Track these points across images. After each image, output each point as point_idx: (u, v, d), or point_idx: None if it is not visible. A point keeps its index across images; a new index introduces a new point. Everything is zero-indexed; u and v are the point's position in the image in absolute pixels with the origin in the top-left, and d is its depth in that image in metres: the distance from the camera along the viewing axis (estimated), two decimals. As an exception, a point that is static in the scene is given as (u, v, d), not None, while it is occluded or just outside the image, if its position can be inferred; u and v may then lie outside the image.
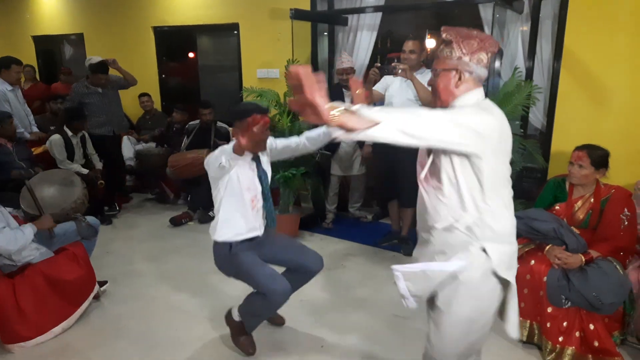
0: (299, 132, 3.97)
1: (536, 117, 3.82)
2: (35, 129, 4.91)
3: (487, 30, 3.85)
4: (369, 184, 4.54)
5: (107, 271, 3.32)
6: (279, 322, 2.71)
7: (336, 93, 4.09)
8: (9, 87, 4.61)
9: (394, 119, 1.25)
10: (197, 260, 3.57)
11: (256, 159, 2.31)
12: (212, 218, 4.44)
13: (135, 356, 2.47)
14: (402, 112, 1.36)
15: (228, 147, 2.14)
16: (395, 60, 4.78)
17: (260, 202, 2.34)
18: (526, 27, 3.68)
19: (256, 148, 2.21)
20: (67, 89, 6.39)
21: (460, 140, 1.34)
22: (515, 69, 3.01)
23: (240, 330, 2.44)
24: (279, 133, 3.98)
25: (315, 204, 4.44)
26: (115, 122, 4.80)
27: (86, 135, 4.62)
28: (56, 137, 4.34)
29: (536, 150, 2.99)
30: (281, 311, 2.57)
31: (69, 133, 4.39)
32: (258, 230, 2.36)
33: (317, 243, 4.06)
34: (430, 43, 7.05)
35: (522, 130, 3.36)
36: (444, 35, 1.48)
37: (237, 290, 2.76)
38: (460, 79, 1.46)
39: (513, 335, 1.58)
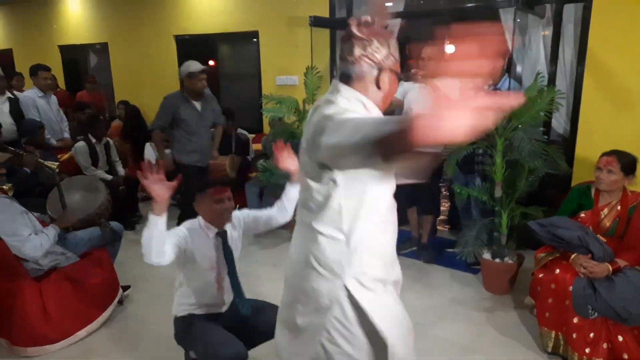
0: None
1: (559, 122, 3.75)
2: (67, 135, 5.02)
3: (508, 35, 3.81)
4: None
5: (130, 275, 3.37)
6: None
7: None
8: (40, 94, 4.76)
9: None
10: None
11: (222, 235, 2.07)
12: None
13: (161, 358, 2.50)
14: None
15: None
16: (413, 71, 4.78)
17: (226, 281, 2.10)
18: (548, 32, 3.63)
19: (221, 219, 2.06)
20: (92, 97, 6.58)
21: None
22: (538, 74, 2.96)
23: None
24: (299, 140, 4.00)
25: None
26: (205, 151, 3.93)
27: (110, 142, 4.72)
28: (81, 144, 4.46)
29: (559, 156, 2.94)
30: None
31: (93, 140, 4.50)
32: (222, 308, 2.14)
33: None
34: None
35: (545, 137, 3.31)
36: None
37: (253, 294, 2.77)
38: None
39: None
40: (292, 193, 2.09)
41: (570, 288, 2.34)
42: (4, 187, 2.59)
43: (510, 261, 3.10)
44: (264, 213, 2.20)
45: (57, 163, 3.12)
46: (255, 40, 5.43)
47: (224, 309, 2.14)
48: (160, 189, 1.65)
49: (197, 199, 2.07)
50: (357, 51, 1.24)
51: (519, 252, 3.20)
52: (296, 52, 5.01)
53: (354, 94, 1.27)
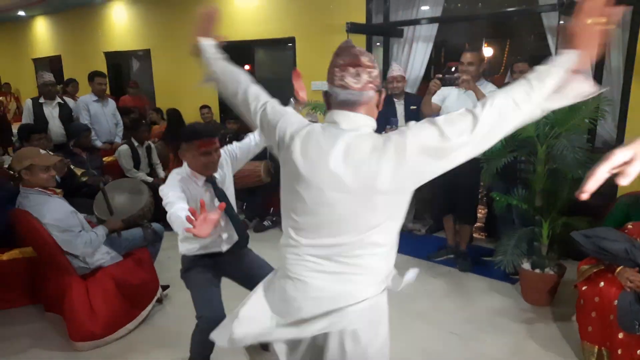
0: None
1: (605, 129, 3.62)
2: (117, 140, 5.22)
3: (550, 39, 3.71)
4: (422, 196, 4.47)
5: (169, 275, 3.47)
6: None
7: (387, 102, 4.08)
8: (94, 98, 5.01)
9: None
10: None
11: (210, 180, 2.16)
12: (267, 227, 4.64)
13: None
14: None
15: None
16: (452, 69, 4.72)
17: (223, 220, 2.16)
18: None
19: (206, 170, 2.12)
20: (135, 102, 6.82)
21: None
22: (583, 81, 2.87)
23: None
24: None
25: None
26: None
27: (152, 145, 4.89)
28: (124, 148, 4.64)
29: (605, 165, 2.83)
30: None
31: (136, 143, 4.68)
32: (222, 247, 2.24)
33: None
34: (487, 52, 6.88)
35: (590, 144, 3.19)
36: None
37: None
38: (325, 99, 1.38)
39: None
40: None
41: (616, 302, 2.25)
42: (57, 190, 2.73)
43: (551, 272, 3.01)
44: (248, 140, 2.29)
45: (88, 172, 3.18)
46: (291, 46, 5.50)
47: (224, 248, 2.24)
48: (206, 228, 1.45)
49: (183, 148, 2.08)
50: (364, 78, 1.27)
51: (561, 263, 3.10)
52: (331, 57, 5.04)
53: (370, 119, 1.32)
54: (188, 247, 2.24)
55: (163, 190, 1.98)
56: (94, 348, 2.65)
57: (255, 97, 1.49)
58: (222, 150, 2.23)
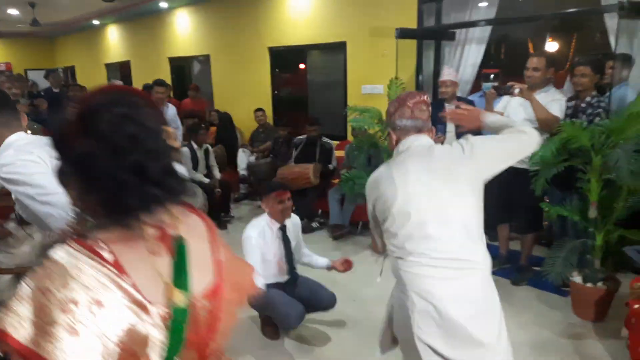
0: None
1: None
2: (178, 143, 5.57)
3: (612, 40, 3.53)
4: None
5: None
6: (272, 337, 2.87)
7: (438, 107, 4.04)
8: None
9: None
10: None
11: (282, 228, 2.73)
12: (315, 229, 4.77)
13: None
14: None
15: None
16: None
17: (285, 264, 2.77)
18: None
19: (282, 216, 2.69)
20: (195, 105, 7.20)
21: None
22: (643, 87, 2.73)
23: (267, 321, 2.84)
24: (380, 150, 4.07)
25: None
26: None
27: (210, 148, 5.18)
28: (184, 150, 4.95)
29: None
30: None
31: (195, 146, 4.97)
32: (281, 279, 2.78)
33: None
34: (552, 47, 6.56)
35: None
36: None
37: (340, 294, 2.90)
38: (390, 136, 1.74)
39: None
40: (317, 264, 2.93)
41: (671, 324, 2.15)
42: None
43: (604, 286, 2.88)
44: (302, 250, 2.94)
45: None
46: (342, 50, 5.58)
47: (284, 278, 2.80)
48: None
49: (264, 199, 2.74)
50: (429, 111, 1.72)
51: (615, 277, 2.97)
52: (382, 61, 5.07)
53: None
54: (263, 281, 2.66)
55: (247, 244, 2.65)
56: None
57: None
58: (298, 220, 2.94)
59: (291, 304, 2.63)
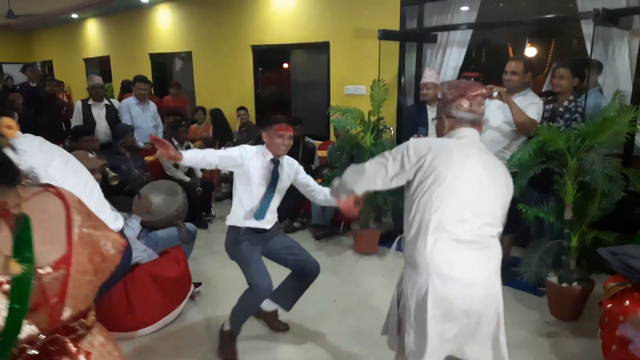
0: (381, 150, 4.07)
1: (644, 140, 3.50)
2: None
3: (588, 46, 3.62)
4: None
5: (202, 273, 3.66)
6: (282, 328, 2.90)
7: (419, 109, 4.10)
8: (135, 101, 5.29)
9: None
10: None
11: (275, 162, 2.59)
12: (297, 229, 4.77)
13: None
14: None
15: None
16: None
17: (274, 204, 2.62)
18: (635, 44, 3.40)
19: (277, 151, 2.56)
20: (177, 102, 7.12)
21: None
22: (617, 93, 2.80)
23: (227, 341, 2.66)
24: (363, 150, 4.09)
25: (396, 220, 4.47)
26: None
27: (191, 146, 5.12)
28: (165, 148, 4.89)
29: (637, 179, 2.75)
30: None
31: (176, 143, 4.91)
32: (265, 224, 2.62)
33: (396, 260, 4.08)
34: (531, 52, 6.69)
35: (619, 159, 3.10)
36: (439, 93, 1.81)
37: (322, 294, 2.90)
38: (443, 123, 1.78)
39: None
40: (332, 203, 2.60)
41: (641, 322, 2.21)
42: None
43: (578, 287, 2.96)
44: (311, 186, 2.75)
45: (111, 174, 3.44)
46: (326, 50, 5.58)
47: (269, 226, 2.64)
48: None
49: (265, 130, 2.60)
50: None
51: (589, 278, 3.05)
52: (365, 62, 5.10)
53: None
54: (237, 218, 2.62)
55: (236, 148, 2.57)
56: (128, 339, 2.84)
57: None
58: (296, 162, 2.75)
59: (262, 273, 2.50)
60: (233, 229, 2.64)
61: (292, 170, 2.73)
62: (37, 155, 1.86)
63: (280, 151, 2.59)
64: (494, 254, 1.72)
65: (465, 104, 1.72)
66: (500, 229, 1.71)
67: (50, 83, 6.62)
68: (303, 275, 2.70)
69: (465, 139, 1.72)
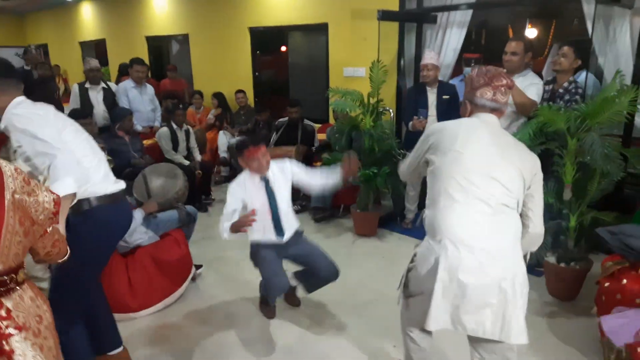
0: (381, 132, 4.06)
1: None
2: (157, 124, 5.45)
3: (589, 25, 3.58)
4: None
5: (203, 255, 3.68)
6: (295, 303, 3.02)
7: (419, 90, 4.07)
8: (133, 84, 5.25)
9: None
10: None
11: (264, 180, 2.58)
12: (297, 212, 4.73)
13: (228, 335, 2.75)
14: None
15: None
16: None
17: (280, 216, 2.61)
18: (637, 23, 3.37)
19: (259, 172, 2.56)
20: (174, 85, 7.06)
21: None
22: (617, 73, 2.78)
23: (264, 301, 2.90)
24: (362, 133, 4.08)
25: (395, 202, 4.48)
26: None
27: (190, 129, 5.10)
28: (164, 130, 4.88)
29: (637, 159, 2.76)
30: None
31: (175, 126, 4.89)
32: (275, 239, 2.62)
33: (395, 242, 4.11)
34: (531, 33, 6.63)
35: (619, 139, 3.10)
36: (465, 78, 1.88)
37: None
38: (466, 108, 1.85)
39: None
40: (333, 180, 2.63)
41: (638, 300, 2.24)
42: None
43: (577, 266, 2.99)
44: (309, 179, 2.68)
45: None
46: (324, 32, 5.52)
47: (284, 240, 2.63)
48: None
49: (239, 158, 2.58)
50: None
51: (587, 257, 3.07)
52: (364, 44, 5.04)
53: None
54: (256, 237, 2.65)
55: (228, 195, 2.58)
56: (130, 320, 2.87)
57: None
58: (288, 164, 2.69)
59: (278, 272, 2.55)
60: (252, 243, 2.68)
61: (287, 174, 2.68)
62: (52, 121, 1.96)
63: (264, 170, 2.57)
64: (510, 225, 1.71)
65: (489, 93, 1.78)
66: (515, 200, 1.70)
67: (42, 67, 6.54)
68: (319, 277, 2.69)
69: (479, 119, 1.79)
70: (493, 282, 1.63)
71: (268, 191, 2.59)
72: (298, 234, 2.73)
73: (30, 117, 1.89)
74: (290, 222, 2.67)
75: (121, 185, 2.17)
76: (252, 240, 2.67)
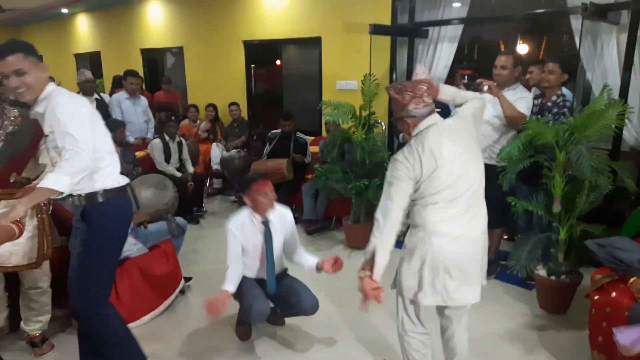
0: (372, 145, 4.07)
1: (632, 134, 3.53)
2: (149, 135, 5.44)
3: (577, 40, 3.64)
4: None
5: (192, 267, 3.64)
6: (279, 323, 2.92)
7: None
8: (126, 96, 5.26)
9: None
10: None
11: (265, 223, 2.58)
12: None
13: (216, 347, 2.71)
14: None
15: None
16: (465, 77, 4.67)
17: (265, 262, 2.61)
18: (623, 39, 3.42)
19: (265, 209, 2.54)
20: (168, 97, 7.07)
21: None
22: (605, 87, 2.81)
23: (242, 321, 2.77)
24: (354, 145, 4.09)
25: (388, 215, 4.46)
26: None
27: (183, 141, 5.09)
28: (156, 141, 4.87)
29: (626, 173, 2.77)
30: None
31: (167, 138, 4.89)
32: (264, 275, 2.62)
33: (387, 254, 4.09)
34: (522, 49, 6.73)
35: (606, 152, 3.12)
36: (389, 92, 2.01)
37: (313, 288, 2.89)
38: (408, 123, 1.95)
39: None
40: (307, 265, 2.67)
41: (627, 314, 2.24)
42: None
43: (567, 279, 2.98)
44: (296, 249, 2.72)
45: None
46: (317, 45, 5.57)
47: (272, 292, 2.61)
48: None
49: (244, 192, 2.56)
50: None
51: (578, 270, 3.07)
52: (357, 57, 5.09)
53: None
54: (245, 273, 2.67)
55: (228, 238, 2.59)
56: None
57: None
58: (290, 216, 2.73)
59: (258, 298, 2.51)
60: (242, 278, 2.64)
61: (286, 224, 2.69)
62: (88, 120, 1.99)
63: (267, 209, 2.56)
64: (480, 212, 1.98)
65: (419, 101, 1.93)
66: (483, 182, 1.97)
67: None
68: (300, 310, 2.63)
69: (431, 128, 1.92)
70: (474, 261, 1.96)
71: (267, 235, 2.57)
72: (283, 273, 2.74)
73: (71, 114, 1.90)
74: (280, 266, 2.72)
75: (127, 179, 2.27)
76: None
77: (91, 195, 2.03)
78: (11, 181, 2.26)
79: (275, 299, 2.66)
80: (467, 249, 1.92)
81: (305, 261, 2.69)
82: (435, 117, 1.96)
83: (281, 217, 2.66)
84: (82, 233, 2.13)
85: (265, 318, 2.57)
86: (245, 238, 2.56)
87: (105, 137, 2.13)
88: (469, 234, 1.92)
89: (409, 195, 1.91)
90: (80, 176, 1.87)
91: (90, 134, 1.93)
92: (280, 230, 2.65)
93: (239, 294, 2.58)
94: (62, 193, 1.84)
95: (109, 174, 2.10)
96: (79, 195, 2.04)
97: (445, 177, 1.86)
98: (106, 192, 2.07)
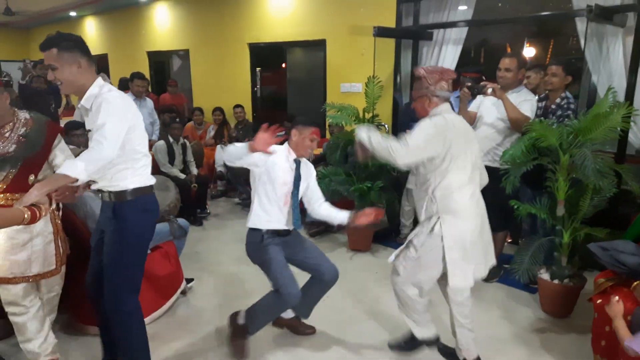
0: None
1: (637, 137, 3.50)
2: (154, 137, 5.46)
3: (582, 43, 3.61)
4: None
5: (194, 269, 3.65)
6: (309, 332, 2.84)
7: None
8: (132, 98, 5.28)
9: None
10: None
11: (297, 162, 2.55)
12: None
13: (217, 348, 2.71)
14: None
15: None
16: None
17: (290, 202, 2.55)
18: (629, 41, 3.40)
19: (301, 153, 2.54)
20: (174, 100, 7.11)
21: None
22: (609, 89, 2.79)
23: (239, 335, 2.60)
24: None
25: (390, 218, 4.46)
26: None
27: (187, 143, 5.11)
28: (160, 143, 4.89)
29: (630, 176, 2.74)
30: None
31: (171, 140, 4.91)
32: (287, 226, 2.57)
33: (388, 257, 4.07)
34: (529, 52, 6.69)
35: (611, 155, 3.09)
36: (415, 73, 2.25)
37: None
38: (430, 101, 2.22)
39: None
40: (337, 219, 2.63)
41: (630, 318, 2.21)
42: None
43: (570, 283, 2.95)
44: (317, 196, 2.69)
45: None
46: (322, 48, 5.58)
47: (289, 227, 2.59)
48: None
49: (298, 129, 2.51)
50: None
51: (581, 274, 3.04)
52: (361, 60, 5.09)
53: None
54: (265, 219, 2.54)
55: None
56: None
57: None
58: (312, 168, 2.70)
59: (293, 280, 2.43)
60: (255, 231, 2.55)
61: (310, 173, 2.67)
62: (128, 121, 2.05)
63: (307, 154, 2.56)
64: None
65: (445, 84, 2.20)
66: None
67: (37, 80, 6.59)
68: (321, 281, 2.61)
69: (447, 114, 2.20)
70: (483, 235, 2.30)
71: (296, 174, 2.54)
72: (297, 232, 2.70)
73: (116, 115, 1.95)
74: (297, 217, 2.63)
75: (154, 179, 2.30)
76: (252, 227, 2.56)
77: (122, 193, 2.10)
78: (30, 183, 2.27)
79: (295, 262, 2.63)
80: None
81: (335, 215, 2.63)
82: (449, 106, 2.24)
83: (308, 166, 2.67)
84: (112, 232, 2.14)
85: (297, 302, 2.46)
86: (276, 166, 2.48)
87: (143, 139, 2.21)
88: None
89: (435, 157, 2.15)
90: (97, 165, 1.88)
91: (123, 132, 1.98)
92: (305, 176, 2.62)
93: (266, 262, 2.49)
94: (76, 180, 1.84)
95: (141, 174, 2.18)
96: (110, 192, 2.11)
97: (463, 158, 2.19)
98: (136, 190, 2.14)
